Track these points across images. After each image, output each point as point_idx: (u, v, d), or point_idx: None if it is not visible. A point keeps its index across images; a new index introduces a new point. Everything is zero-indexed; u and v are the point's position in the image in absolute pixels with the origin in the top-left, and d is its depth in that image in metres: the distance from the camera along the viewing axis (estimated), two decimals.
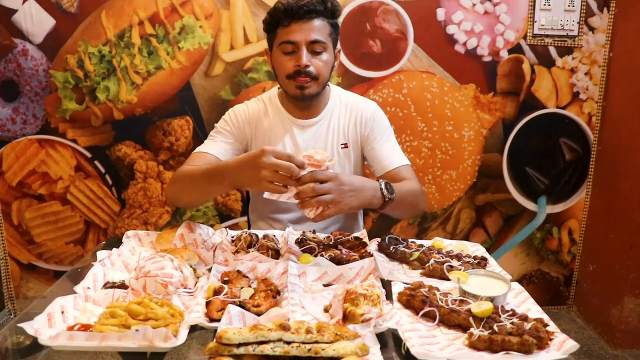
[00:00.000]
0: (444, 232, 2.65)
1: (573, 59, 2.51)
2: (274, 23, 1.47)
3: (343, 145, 1.62)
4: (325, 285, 1.14)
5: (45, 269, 2.51)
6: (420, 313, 0.99)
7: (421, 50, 2.44)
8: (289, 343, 0.81)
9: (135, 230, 1.41)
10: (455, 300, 1.00)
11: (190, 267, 1.16)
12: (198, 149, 1.54)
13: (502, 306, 0.98)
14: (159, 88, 2.36)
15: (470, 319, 0.94)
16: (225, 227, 1.48)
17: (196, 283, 1.12)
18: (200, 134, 2.41)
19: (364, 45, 2.42)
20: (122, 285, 1.07)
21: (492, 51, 2.47)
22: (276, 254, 1.27)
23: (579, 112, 2.58)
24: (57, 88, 2.32)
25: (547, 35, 2.47)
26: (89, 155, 2.41)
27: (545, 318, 0.95)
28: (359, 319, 0.92)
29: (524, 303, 1.05)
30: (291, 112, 1.60)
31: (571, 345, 0.86)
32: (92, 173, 2.44)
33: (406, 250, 1.27)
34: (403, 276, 1.18)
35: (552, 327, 0.94)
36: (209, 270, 1.18)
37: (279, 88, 1.64)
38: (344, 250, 1.28)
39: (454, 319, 0.96)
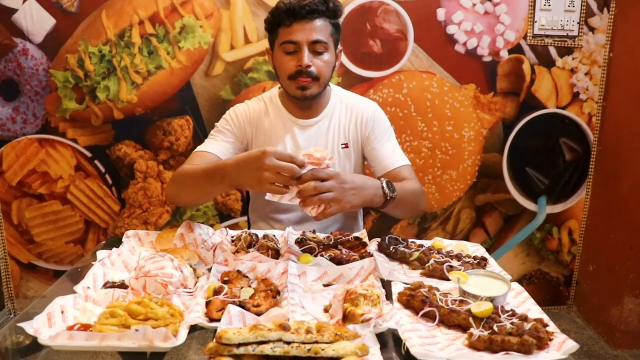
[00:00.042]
0: (444, 232, 2.65)
1: (573, 59, 2.51)
2: (276, 22, 1.47)
3: (343, 145, 1.62)
4: (325, 285, 1.14)
5: (45, 268, 2.51)
6: (420, 313, 0.99)
7: (421, 50, 2.44)
8: (288, 343, 0.81)
9: (135, 229, 1.41)
10: (455, 300, 1.00)
11: (190, 267, 1.16)
12: (199, 148, 1.53)
13: (502, 306, 0.98)
14: (159, 88, 2.36)
15: (470, 319, 0.94)
16: (225, 227, 1.48)
17: (196, 283, 1.12)
18: (200, 134, 2.41)
19: (364, 45, 2.41)
20: (122, 285, 1.07)
21: (492, 51, 2.47)
22: (276, 254, 1.27)
23: (579, 112, 2.58)
24: (57, 87, 2.32)
25: (547, 36, 2.47)
26: (89, 154, 2.41)
27: (545, 318, 0.95)
28: (358, 319, 0.92)
29: (523, 303, 1.05)
30: (292, 112, 1.60)
31: (571, 345, 0.86)
32: (92, 172, 2.44)
33: (406, 250, 1.27)
34: (403, 276, 1.18)
35: (552, 327, 0.94)
36: (209, 270, 1.18)
37: (279, 88, 1.63)
38: (344, 250, 1.28)
39: (453, 319, 0.96)
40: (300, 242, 1.34)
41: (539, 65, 2.51)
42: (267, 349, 0.80)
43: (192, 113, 2.41)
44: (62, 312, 0.93)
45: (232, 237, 1.37)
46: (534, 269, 2.75)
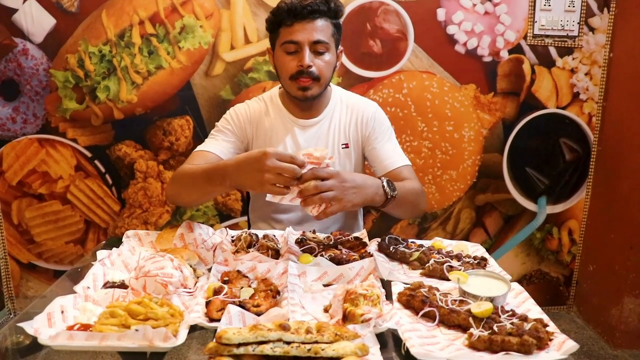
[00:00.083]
0: (444, 232, 2.65)
1: (573, 59, 2.51)
2: (277, 22, 1.47)
3: (344, 146, 1.62)
4: (325, 285, 1.14)
5: (45, 268, 2.51)
6: (420, 313, 0.99)
7: (421, 51, 2.44)
8: (288, 343, 0.81)
9: (135, 229, 1.41)
10: (455, 300, 1.00)
11: (190, 267, 1.16)
12: (199, 147, 1.53)
13: (502, 306, 0.98)
14: (159, 88, 2.36)
15: (470, 319, 0.94)
16: (225, 227, 1.48)
17: (196, 283, 1.12)
18: (200, 134, 2.41)
19: (364, 45, 2.41)
20: (122, 285, 1.07)
21: (493, 51, 2.47)
22: (276, 254, 1.27)
23: (579, 113, 2.58)
24: (58, 87, 2.32)
25: (547, 36, 2.47)
26: (89, 154, 2.41)
27: (545, 318, 0.95)
28: (358, 319, 0.92)
29: (523, 303, 1.05)
30: (292, 112, 1.60)
31: (571, 345, 0.86)
32: (92, 172, 2.44)
33: (406, 250, 1.27)
34: (403, 276, 1.18)
35: (551, 327, 0.94)
36: (209, 270, 1.18)
37: (279, 88, 1.63)
38: (344, 250, 1.28)
39: (453, 319, 0.96)
40: (300, 242, 1.34)
41: (539, 66, 2.51)
42: (267, 349, 0.80)
43: (192, 113, 2.41)
44: (62, 312, 0.93)
45: (232, 237, 1.37)
46: (534, 269, 2.75)
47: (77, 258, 2.49)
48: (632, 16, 2.38)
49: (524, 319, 0.94)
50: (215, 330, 0.84)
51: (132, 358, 0.92)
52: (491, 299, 1.00)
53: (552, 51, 2.50)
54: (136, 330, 0.84)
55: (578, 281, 2.76)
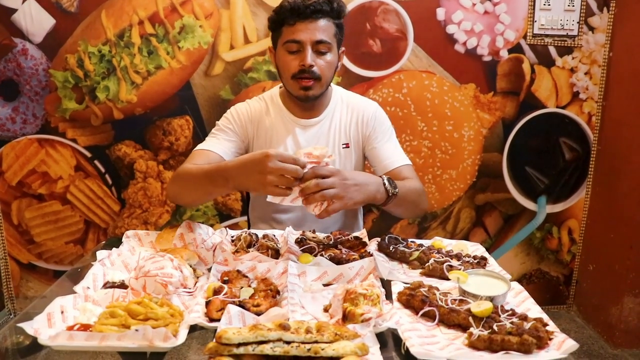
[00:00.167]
0: (444, 232, 2.65)
1: (573, 58, 2.51)
2: (280, 21, 1.46)
3: (344, 145, 1.62)
4: (325, 285, 1.14)
5: (45, 268, 2.51)
6: (420, 313, 0.99)
7: (421, 50, 2.44)
8: (288, 343, 0.81)
9: (135, 230, 1.41)
10: (455, 300, 1.00)
11: (190, 266, 1.16)
12: (200, 146, 1.53)
13: (502, 306, 0.98)
14: (158, 87, 2.36)
15: (470, 318, 0.94)
16: (225, 227, 1.47)
17: (196, 283, 1.12)
18: (200, 134, 2.41)
19: (363, 44, 2.41)
20: (122, 285, 1.07)
21: (492, 51, 2.47)
22: (276, 254, 1.27)
23: (578, 112, 2.58)
24: (57, 87, 2.32)
25: (547, 35, 2.47)
26: (88, 154, 2.41)
27: (545, 318, 0.96)
28: (358, 318, 0.92)
29: (523, 303, 1.05)
30: (293, 112, 1.59)
31: (571, 344, 0.86)
32: (92, 173, 2.44)
33: (406, 249, 1.27)
34: (403, 276, 1.18)
35: (551, 326, 0.94)
36: (209, 270, 1.18)
37: (280, 87, 1.63)
38: (343, 250, 1.28)
39: (453, 319, 0.96)
40: (300, 241, 1.34)
41: (539, 65, 2.51)
42: (267, 349, 0.80)
43: (192, 113, 2.41)
44: (62, 312, 0.93)
45: (232, 237, 1.37)
46: (534, 268, 2.75)
47: (77, 258, 2.49)
48: (631, 15, 2.38)
49: (524, 318, 0.94)
50: (215, 330, 0.84)
51: (132, 358, 0.92)
52: (491, 299, 1.00)
53: (552, 50, 2.50)
54: (136, 330, 0.84)
55: (578, 280, 2.76)
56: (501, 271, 1.17)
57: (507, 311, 0.96)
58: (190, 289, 1.08)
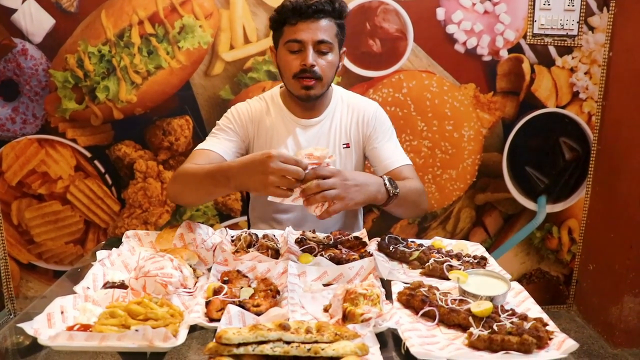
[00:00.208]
0: (444, 232, 2.65)
1: (573, 58, 2.51)
2: (281, 21, 1.46)
3: (345, 145, 1.62)
4: (325, 285, 1.14)
5: (45, 268, 2.51)
6: (420, 313, 0.99)
7: (421, 50, 2.44)
8: (288, 343, 0.81)
9: (135, 230, 1.41)
10: (455, 299, 1.00)
11: (190, 267, 1.16)
12: (200, 145, 1.52)
13: (502, 306, 0.98)
14: (158, 87, 2.36)
15: (470, 318, 0.94)
16: (225, 227, 1.47)
17: (196, 283, 1.12)
18: (200, 134, 2.41)
19: (363, 44, 2.41)
20: (122, 285, 1.07)
21: (492, 51, 2.47)
22: (276, 254, 1.27)
23: (578, 112, 2.58)
24: (57, 88, 2.32)
25: (546, 35, 2.47)
26: (88, 154, 2.41)
27: (545, 317, 0.95)
28: (358, 318, 0.92)
29: (523, 302, 1.05)
30: (293, 112, 1.59)
31: (571, 344, 0.86)
32: (92, 173, 2.44)
33: (406, 249, 1.27)
34: (403, 276, 1.18)
35: (551, 326, 0.94)
36: (209, 270, 1.18)
37: (280, 87, 1.63)
38: (343, 250, 1.28)
39: (453, 319, 0.96)
40: (300, 241, 1.34)
41: (539, 65, 2.51)
42: (267, 349, 0.80)
43: (192, 113, 2.41)
44: (62, 312, 0.93)
45: (232, 237, 1.37)
46: (534, 268, 2.75)
47: (77, 258, 2.49)
48: (631, 15, 2.38)
49: (524, 318, 0.94)
50: (215, 330, 0.84)
51: (132, 358, 0.92)
52: (491, 298, 1.00)
53: (552, 50, 2.50)
54: (136, 330, 0.84)
55: (578, 280, 2.76)
56: (501, 271, 1.17)
57: (507, 311, 0.96)
58: (190, 289, 1.08)
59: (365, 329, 0.88)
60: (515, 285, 1.11)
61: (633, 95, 2.37)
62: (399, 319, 0.96)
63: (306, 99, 1.51)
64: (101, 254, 1.20)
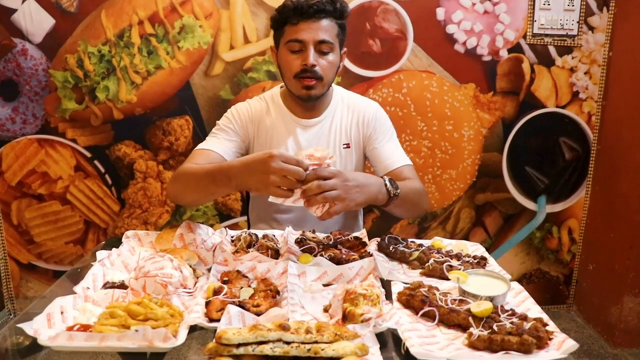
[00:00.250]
0: (444, 232, 2.65)
1: (573, 58, 2.51)
2: (282, 20, 1.46)
3: (345, 146, 1.62)
4: (324, 285, 1.14)
5: (45, 268, 2.51)
6: (420, 313, 0.99)
7: (421, 50, 2.44)
8: (288, 343, 0.81)
9: (135, 230, 1.41)
10: (455, 300, 1.00)
11: (190, 267, 1.16)
12: (200, 145, 1.52)
13: (502, 306, 0.98)
14: (158, 88, 2.36)
15: (470, 318, 0.94)
16: (225, 227, 1.47)
17: (196, 283, 1.12)
18: (200, 134, 2.41)
19: (363, 44, 2.41)
20: (122, 286, 1.07)
21: (492, 50, 2.47)
22: (276, 254, 1.27)
23: (578, 112, 2.58)
24: (57, 88, 2.32)
25: (546, 35, 2.47)
26: (88, 155, 2.41)
27: (545, 317, 0.96)
28: (358, 318, 0.92)
29: (523, 303, 1.05)
30: (294, 112, 1.59)
31: (571, 344, 0.86)
32: (92, 173, 2.44)
33: (406, 249, 1.27)
34: (402, 276, 1.18)
35: (551, 326, 0.94)
36: (209, 270, 1.18)
37: (281, 87, 1.63)
38: (343, 250, 1.28)
39: (453, 319, 0.96)
40: (300, 241, 1.34)
41: (539, 65, 2.51)
42: (266, 349, 0.80)
43: (192, 113, 2.41)
44: (62, 312, 0.93)
45: (231, 237, 1.37)
46: (534, 268, 2.75)
47: (76, 258, 2.49)
48: (631, 15, 2.38)
49: (524, 318, 0.94)
50: (215, 330, 0.84)
51: (132, 358, 0.92)
52: (491, 299, 1.00)
53: (552, 50, 2.50)
54: (136, 330, 0.84)
55: (578, 280, 2.76)
56: (501, 271, 1.17)
57: (507, 311, 0.96)
58: (190, 289, 1.08)
59: (365, 329, 0.88)
60: (515, 285, 1.11)
61: (633, 95, 2.37)
62: (399, 319, 0.96)
63: (307, 99, 1.51)
64: (101, 254, 1.20)
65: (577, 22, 2.46)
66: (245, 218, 2.41)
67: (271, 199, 1.18)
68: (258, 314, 0.96)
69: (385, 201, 1.32)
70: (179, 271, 1.08)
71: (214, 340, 0.81)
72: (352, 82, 2.43)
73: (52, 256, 2.50)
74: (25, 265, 2.50)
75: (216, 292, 1.01)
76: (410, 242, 1.34)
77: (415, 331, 0.93)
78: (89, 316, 0.94)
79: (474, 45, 2.45)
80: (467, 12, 2.42)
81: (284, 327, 0.82)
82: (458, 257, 1.23)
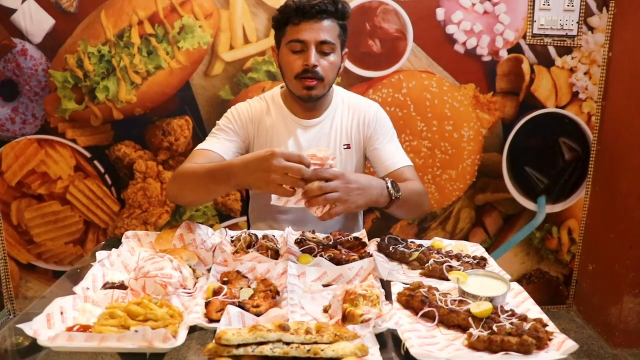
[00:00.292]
0: (444, 232, 2.65)
1: (572, 58, 2.51)
2: (284, 20, 1.46)
3: (345, 146, 1.62)
4: (324, 286, 1.14)
5: (45, 269, 2.51)
6: (420, 313, 0.99)
7: (421, 50, 2.44)
8: (288, 344, 0.81)
9: (134, 230, 1.41)
10: (455, 300, 1.00)
11: (190, 267, 1.16)
12: (200, 145, 1.52)
13: (502, 306, 0.98)
14: (158, 88, 2.36)
15: (470, 319, 0.94)
16: (225, 227, 1.48)
17: (195, 283, 1.12)
18: (199, 134, 2.41)
19: (363, 44, 2.41)
20: (122, 286, 1.07)
21: (492, 51, 2.47)
22: (275, 254, 1.27)
23: (578, 112, 2.58)
24: (57, 88, 2.32)
25: (546, 35, 2.47)
26: (88, 155, 2.41)
27: (545, 318, 0.95)
28: (358, 319, 0.92)
29: (523, 303, 1.05)
30: (294, 112, 1.59)
31: (570, 345, 0.86)
32: (92, 173, 2.44)
33: (405, 250, 1.27)
34: (402, 276, 1.18)
35: (551, 327, 0.94)
36: (208, 270, 1.18)
37: (281, 87, 1.63)
38: (343, 251, 1.28)
39: (453, 319, 0.96)
40: (299, 242, 1.34)
41: (538, 65, 2.51)
42: (266, 350, 0.80)
43: (192, 113, 2.41)
44: (62, 313, 0.93)
45: (231, 237, 1.37)
46: (534, 268, 2.75)
47: (76, 258, 2.49)
48: (631, 15, 2.38)
49: (524, 318, 0.94)
50: (215, 331, 0.84)
51: (131, 359, 0.92)
52: (490, 299, 1.00)
53: (551, 50, 2.50)
54: (135, 331, 0.84)
55: (577, 280, 2.76)
56: (501, 272, 1.17)
57: (506, 312, 0.96)
58: (189, 289, 1.08)
59: (364, 330, 0.88)
60: (515, 285, 1.11)
61: (633, 95, 2.37)
62: (399, 319, 0.96)
63: (307, 99, 1.51)
64: (101, 254, 1.20)
65: (577, 22, 2.46)
66: (245, 218, 2.41)
67: (273, 201, 1.18)
68: (258, 315, 0.96)
69: (386, 204, 1.32)
70: (179, 271, 1.08)
71: (213, 341, 0.81)
72: (351, 82, 2.43)
73: (51, 256, 2.50)
74: (24, 265, 2.50)
75: (216, 292, 1.01)
76: (410, 242, 1.34)
77: (415, 332, 0.93)
78: (88, 317, 0.94)
79: (474, 46, 2.46)
80: (467, 12, 2.42)
81: (283, 328, 0.82)
82: (458, 257, 1.23)
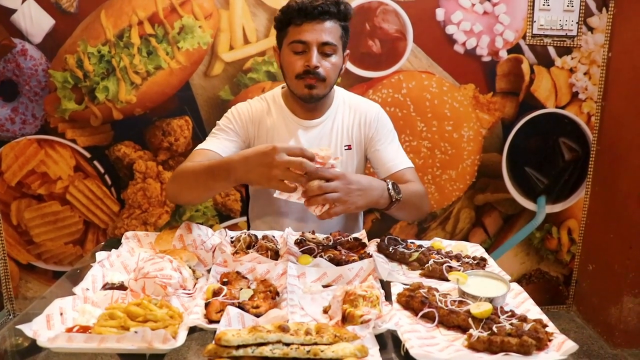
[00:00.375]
0: (444, 232, 2.65)
1: (572, 59, 2.51)
2: (286, 21, 1.46)
3: (347, 147, 1.61)
4: (324, 287, 1.14)
5: (45, 269, 2.51)
6: (420, 314, 0.99)
7: (420, 50, 2.44)
8: (288, 345, 0.81)
9: (134, 230, 1.40)
10: (455, 301, 1.00)
11: (190, 268, 1.16)
12: (200, 145, 1.52)
13: (502, 307, 0.98)
14: (158, 88, 2.36)
15: (470, 320, 0.94)
16: (225, 228, 1.47)
17: (195, 284, 1.12)
18: (199, 134, 2.41)
19: (363, 45, 2.41)
20: (121, 287, 1.07)
21: (492, 51, 2.47)
22: (275, 255, 1.27)
23: (578, 112, 2.58)
24: (57, 88, 2.32)
25: (546, 35, 2.47)
26: (88, 155, 2.41)
27: (545, 319, 0.96)
28: (358, 320, 0.92)
29: (523, 304, 1.05)
30: (295, 113, 1.59)
31: (570, 346, 0.86)
32: (92, 173, 2.44)
33: (405, 250, 1.27)
34: (402, 277, 1.18)
35: (551, 327, 0.94)
36: (208, 271, 1.18)
37: (282, 87, 1.63)
38: (343, 251, 1.28)
39: (453, 320, 0.96)
40: (299, 242, 1.34)
41: (538, 65, 2.51)
42: (266, 351, 0.80)
43: (192, 113, 2.41)
44: (61, 313, 0.93)
45: (231, 238, 1.36)
46: (534, 268, 2.75)
47: (76, 259, 2.49)
48: (630, 16, 2.38)
49: (524, 319, 0.94)
50: (215, 331, 0.84)
51: None
52: (490, 300, 1.00)
53: (551, 51, 2.50)
54: (135, 332, 0.84)
55: (577, 280, 2.76)
56: (501, 272, 1.17)
57: (506, 312, 0.96)
58: (189, 290, 1.08)
59: (364, 331, 0.88)
60: (515, 286, 1.11)
61: (632, 95, 2.37)
62: (399, 320, 0.96)
63: (309, 99, 1.51)
64: (100, 255, 1.20)
65: (577, 22, 2.46)
66: (244, 219, 2.41)
67: (276, 194, 1.17)
68: (257, 315, 0.96)
69: (386, 205, 1.32)
70: (179, 272, 1.08)
71: (213, 342, 0.81)
72: (351, 82, 2.43)
73: (51, 257, 2.50)
74: (24, 265, 2.50)
75: (216, 293, 1.01)
76: (410, 243, 1.34)
77: (414, 332, 0.93)
78: (88, 317, 0.94)
79: (474, 46, 2.46)
80: (466, 12, 2.42)
81: (283, 329, 0.82)
82: (458, 258, 1.23)
